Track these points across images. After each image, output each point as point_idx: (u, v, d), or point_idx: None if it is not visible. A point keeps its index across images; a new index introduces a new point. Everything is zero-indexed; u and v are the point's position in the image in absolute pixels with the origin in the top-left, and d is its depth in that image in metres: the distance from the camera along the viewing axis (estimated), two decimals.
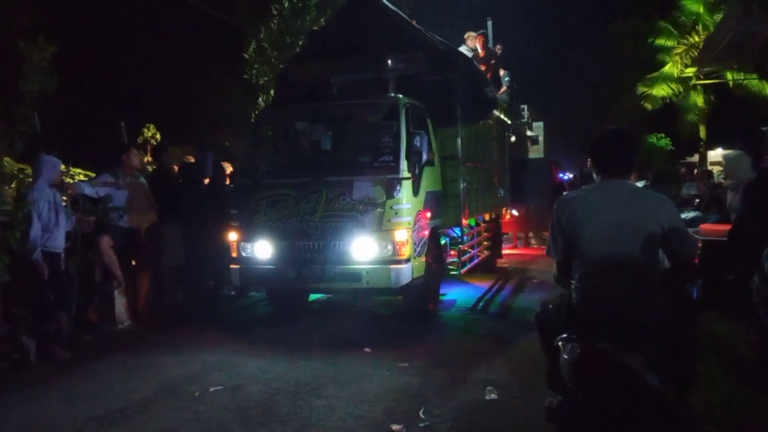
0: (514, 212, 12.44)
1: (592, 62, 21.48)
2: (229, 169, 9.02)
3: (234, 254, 6.72)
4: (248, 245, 6.62)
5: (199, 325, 6.98)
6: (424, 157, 6.21)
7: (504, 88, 11.89)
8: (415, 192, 6.60)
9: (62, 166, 6.72)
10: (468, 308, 7.68)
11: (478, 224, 9.19)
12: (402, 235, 6.26)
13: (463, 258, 8.11)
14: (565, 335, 2.88)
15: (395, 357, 5.49)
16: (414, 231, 6.47)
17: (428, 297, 7.01)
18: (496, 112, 10.54)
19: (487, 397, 4.44)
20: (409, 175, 6.32)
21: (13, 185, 7.08)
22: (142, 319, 7.05)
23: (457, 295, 8.34)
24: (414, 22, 9.26)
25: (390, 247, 6.23)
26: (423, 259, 6.73)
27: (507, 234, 13.55)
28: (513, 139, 12.56)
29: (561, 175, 16.87)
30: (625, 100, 19.44)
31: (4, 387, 5.03)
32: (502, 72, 11.99)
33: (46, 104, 10.53)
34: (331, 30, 8.42)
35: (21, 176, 8.41)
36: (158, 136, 11.53)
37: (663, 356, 2.71)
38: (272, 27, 14.37)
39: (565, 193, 3.71)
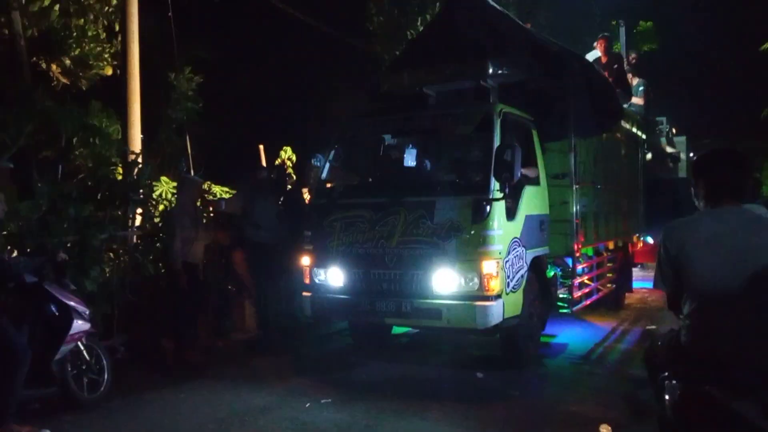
0: (649, 240, 10.74)
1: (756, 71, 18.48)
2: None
3: (306, 280, 6.11)
4: (321, 271, 5.99)
5: (318, 339, 7.23)
6: (516, 174, 5.20)
7: (638, 99, 10.42)
8: (511, 215, 5.60)
9: (205, 185, 7.43)
10: (581, 356, 6.45)
11: (598, 254, 7.88)
12: (491, 266, 5.29)
13: (576, 294, 6.88)
14: (667, 373, 2.63)
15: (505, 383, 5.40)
16: (507, 261, 5.47)
17: (527, 340, 5.93)
18: (626, 125, 9.15)
19: None
20: (500, 195, 5.34)
21: (164, 204, 7.64)
22: (269, 329, 7.20)
23: (570, 337, 7.11)
24: (528, 26, 8.27)
25: (476, 280, 5.29)
26: (519, 295, 5.68)
27: (642, 264, 11.82)
28: (649, 156, 10.93)
29: None
30: None
31: (142, 387, 5.45)
32: (635, 80, 10.52)
33: (194, 128, 11.58)
34: (428, 36, 7.65)
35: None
36: (294, 157, 11.66)
37: None
38: None
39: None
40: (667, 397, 2.53)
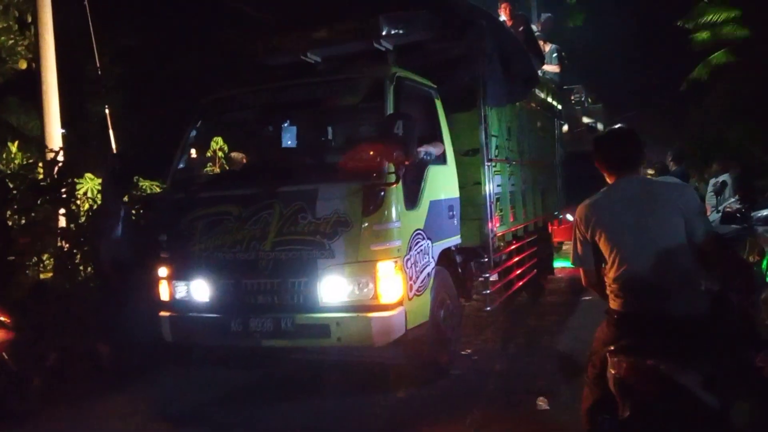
0: (569, 217, 10.11)
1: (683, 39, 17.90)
2: None
3: (164, 296, 4.90)
4: (181, 284, 4.79)
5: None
6: (413, 151, 4.20)
7: (552, 66, 9.72)
8: (412, 203, 4.61)
9: (134, 180, 7.05)
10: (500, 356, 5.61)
11: (517, 238, 7.06)
12: (388, 267, 4.28)
13: (493, 287, 6.01)
14: (612, 347, 2.62)
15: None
16: (409, 260, 4.47)
17: (438, 348, 4.98)
18: (541, 94, 8.37)
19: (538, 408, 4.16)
20: (395, 178, 4.30)
21: (89, 202, 7.14)
22: None
23: (488, 336, 6.27)
24: None
25: (371, 285, 4.27)
26: (426, 297, 4.71)
27: (562, 243, 11.25)
28: (566, 128, 10.29)
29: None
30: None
31: (76, 394, 5.14)
32: (547, 47, 9.79)
33: (121, 121, 10.75)
34: None
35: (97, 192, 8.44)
36: (225, 147, 10.60)
37: (722, 372, 2.47)
38: None
39: None
40: (612, 371, 2.57)
